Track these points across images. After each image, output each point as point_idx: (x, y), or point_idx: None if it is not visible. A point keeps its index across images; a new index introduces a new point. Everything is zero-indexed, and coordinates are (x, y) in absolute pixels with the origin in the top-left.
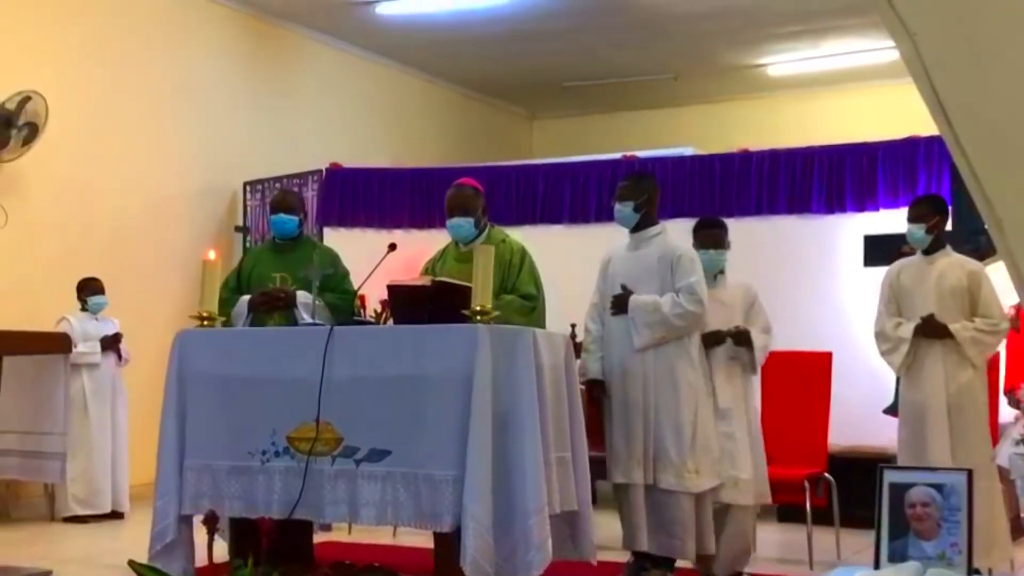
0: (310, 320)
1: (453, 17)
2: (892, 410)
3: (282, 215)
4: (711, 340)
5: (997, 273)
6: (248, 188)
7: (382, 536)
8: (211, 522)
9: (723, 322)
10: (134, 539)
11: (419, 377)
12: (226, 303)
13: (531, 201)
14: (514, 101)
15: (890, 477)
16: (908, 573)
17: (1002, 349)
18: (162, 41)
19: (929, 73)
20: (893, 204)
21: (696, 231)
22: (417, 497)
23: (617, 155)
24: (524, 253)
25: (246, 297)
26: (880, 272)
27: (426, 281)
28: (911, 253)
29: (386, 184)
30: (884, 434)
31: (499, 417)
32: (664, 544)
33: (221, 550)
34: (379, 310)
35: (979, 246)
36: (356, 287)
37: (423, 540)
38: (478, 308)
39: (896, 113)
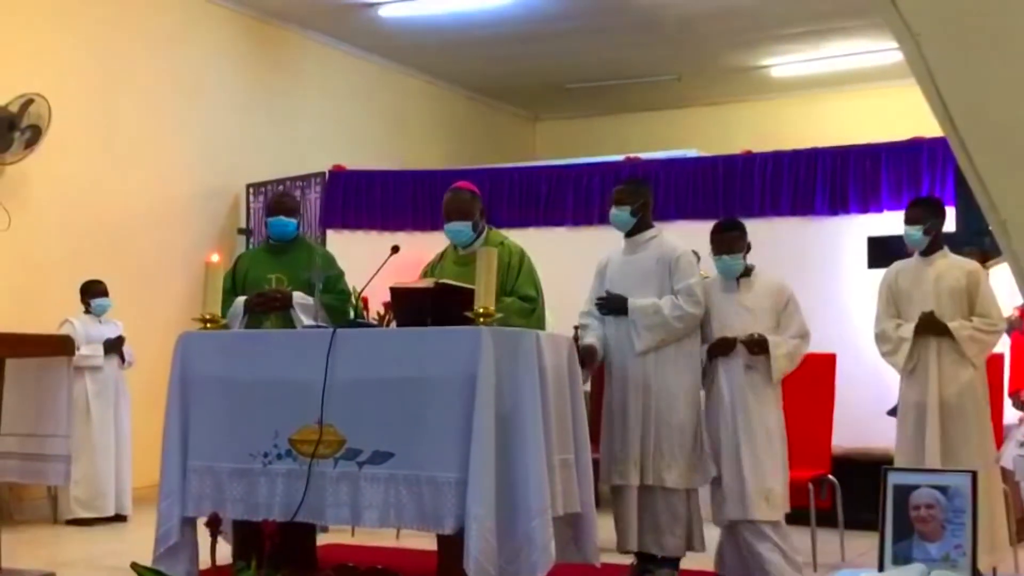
0: (307, 321)
1: (456, 19)
2: (896, 412)
3: (281, 217)
4: (720, 348)
5: (1001, 275)
6: (251, 190)
7: (385, 538)
8: (214, 525)
9: (745, 328)
10: (137, 542)
11: (422, 379)
12: (221, 305)
13: (534, 203)
14: (517, 103)
15: (894, 479)
16: (912, 575)
17: (1007, 351)
18: (165, 44)
19: (933, 74)
20: (897, 206)
21: (711, 236)
22: (420, 499)
23: (620, 157)
24: (523, 255)
25: (242, 298)
26: None
27: (429, 283)
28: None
29: (389, 186)
30: (888, 436)
31: (502, 419)
32: (668, 544)
33: (224, 553)
34: (382, 312)
35: (983, 248)
36: (360, 289)
37: (426, 542)
38: (481, 310)
39: (900, 114)
